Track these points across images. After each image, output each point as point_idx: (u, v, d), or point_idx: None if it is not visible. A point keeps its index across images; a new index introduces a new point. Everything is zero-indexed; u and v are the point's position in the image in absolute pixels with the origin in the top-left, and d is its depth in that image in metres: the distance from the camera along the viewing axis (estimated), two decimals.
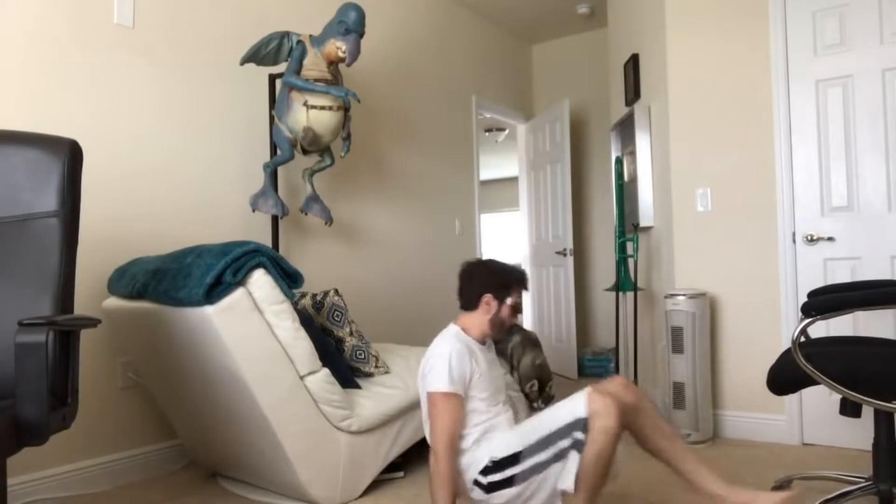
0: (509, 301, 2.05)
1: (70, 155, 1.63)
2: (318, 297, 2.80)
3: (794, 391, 2.32)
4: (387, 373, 2.76)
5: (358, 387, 2.58)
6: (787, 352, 2.15)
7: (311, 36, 3.04)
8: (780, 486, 2.32)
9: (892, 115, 2.87)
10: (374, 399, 2.50)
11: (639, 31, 3.98)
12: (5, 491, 1.42)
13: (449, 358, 1.91)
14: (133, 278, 2.35)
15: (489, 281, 2.05)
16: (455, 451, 1.91)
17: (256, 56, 3.04)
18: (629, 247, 3.99)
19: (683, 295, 3.08)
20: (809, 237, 3.02)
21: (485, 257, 2.27)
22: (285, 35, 3.06)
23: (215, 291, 2.05)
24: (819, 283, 2.94)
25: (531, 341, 3.46)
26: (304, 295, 2.87)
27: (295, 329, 2.22)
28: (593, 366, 5.15)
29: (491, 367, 2.06)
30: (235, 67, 3.16)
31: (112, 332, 2.62)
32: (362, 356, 2.73)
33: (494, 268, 2.09)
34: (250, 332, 2.12)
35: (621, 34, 4.45)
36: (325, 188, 3.61)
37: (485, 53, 5.33)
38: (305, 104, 2.96)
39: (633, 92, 3.99)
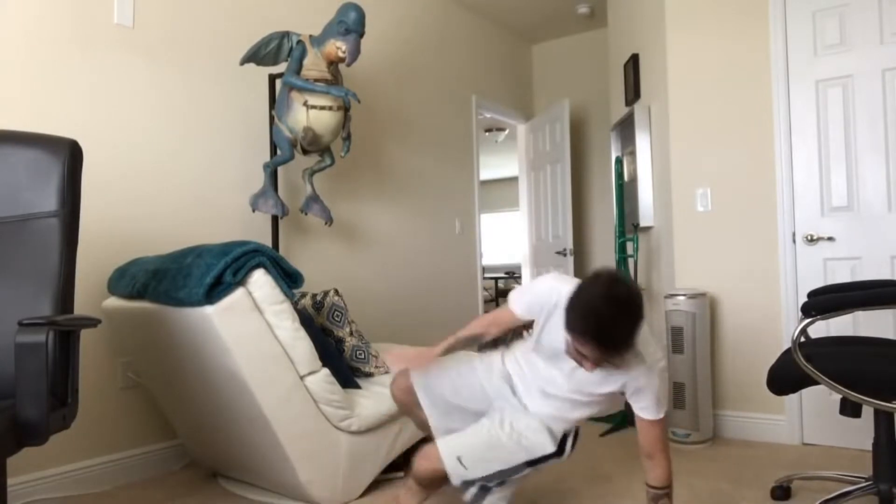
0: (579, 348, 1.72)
1: (70, 155, 1.63)
2: (318, 297, 2.81)
3: (794, 391, 2.32)
4: (387, 373, 2.76)
5: (358, 387, 2.58)
6: (787, 352, 2.15)
7: (311, 36, 3.04)
8: (780, 487, 2.32)
9: (892, 115, 2.87)
10: (374, 399, 2.50)
11: (639, 31, 3.98)
12: (5, 491, 1.42)
13: (548, 291, 1.81)
14: (133, 278, 2.36)
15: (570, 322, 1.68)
16: (486, 327, 1.93)
17: (256, 56, 3.04)
18: (629, 247, 3.98)
19: (683, 295, 3.08)
20: (809, 237, 3.02)
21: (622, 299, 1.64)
22: (285, 35, 3.06)
23: (215, 291, 2.05)
24: (819, 283, 2.94)
25: None
26: (304, 295, 2.87)
27: (295, 329, 2.22)
28: None
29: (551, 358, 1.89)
30: (235, 67, 3.16)
31: (112, 332, 2.63)
32: (362, 356, 2.73)
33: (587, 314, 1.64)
34: (250, 332, 2.12)
35: (621, 34, 4.45)
36: (325, 188, 3.62)
37: (485, 53, 5.33)
38: (305, 104, 2.96)
39: (633, 92, 3.99)
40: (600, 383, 1.86)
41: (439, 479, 1.90)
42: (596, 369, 1.74)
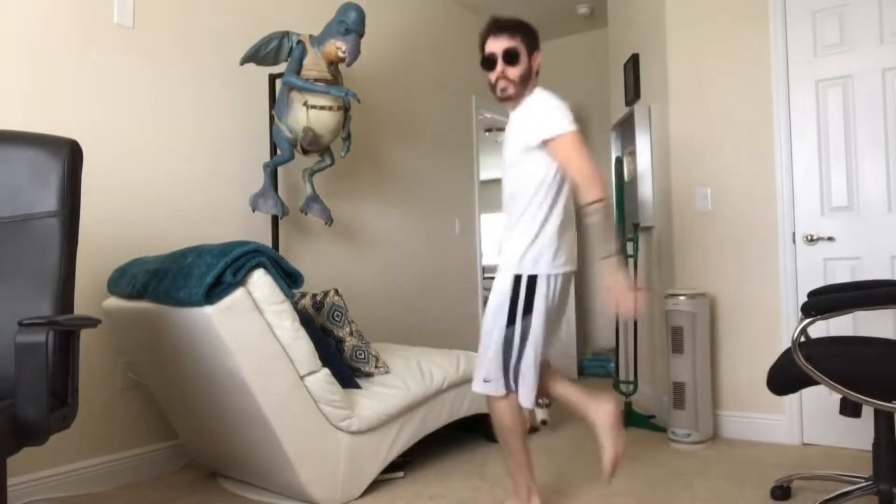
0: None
1: (70, 155, 1.63)
2: (318, 297, 2.81)
3: (794, 391, 2.32)
4: (387, 373, 2.76)
5: (358, 387, 2.58)
6: (787, 352, 2.15)
7: (311, 36, 3.04)
8: (780, 487, 2.32)
9: (892, 115, 2.87)
10: (374, 399, 2.50)
11: (639, 31, 3.98)
12: (5, 491, 1.42)
13: (564, 105, 2.01)
14: (133, 278, 2.36)
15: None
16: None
17: (256, 56, 3.04)
18: (629, 247, 3.98)
19: (683, 295, 3.08)
20: (809, 237, 3.02)
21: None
22: (285, 35, 3.06)
23: (215, 291, 2.05)
24: (819, 283, 2.94)
25: None
26: (304, 295, 2.87)
27: (295, 329, 2.22)
28: (594, 366, 5.15)
29: None
30: (235, 67, 3.16)
31: (112, 332, 2.62)
32: (362, 356, 2.73)
33: None
34: (250, 332, 2.12)
35: (621, 34, 4.45)
36: (325, 188, 3.61)
37: None
38: (305, 104, 2.96)
39: (633, 92, 3.99)
40: (513, 140, 2.08)
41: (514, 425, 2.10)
42: (509, 85, 2.04)
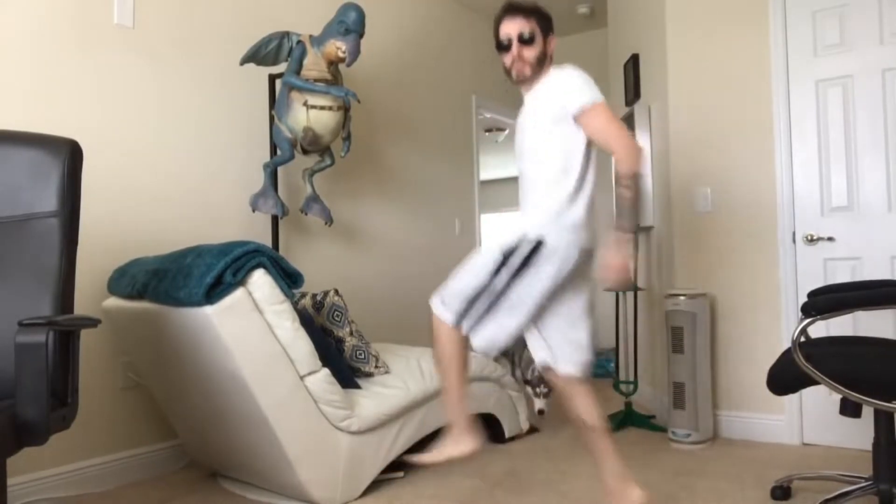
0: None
1: (70, 155, 1.63)
2: (318, 297, 2.81)
3: (794, 391, 2.32)
4: (387, 373, 2.76)
5: (358, 387, 2.58)
6: (787, 352, 2.15)
7: (311, 36, 3.04)
8: (780, 487, 2.32)
9: (892, 115, 2.87)
10: (374, 399, 2.51)
11: (639, 31, 3.98)
12: (5, 491, 1.42)
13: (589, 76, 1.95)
14: (133, 278, 2.36)
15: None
16: None
17: (256, 56, 3.04)
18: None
19: (683, 295, 3.08)
20: (809, 237, 3.02)
21: None
22: (285, 35, 3.06)
23: (215, 291, 2.05)
24: (819, 283, 2.93)
25: None
26: (304, 295, 2.87)
27: (295, 329, 2.22)
28: (593, 366, 5.14)
29: None
30: (235, 67, 3.16)
31: (112, 332, 2.62)
32: (362, 356, 2.73)
33: None
34: (250, 332, 2.12)
35: (621, 34, 4.45)
36: (325, 188, 3.61)
37: (485, 53, 5.31)
38: (305, 104, 2.96)
39: (633, 92, 3.99)
40: (538, 118, 2.03)
41: (455, 354, 2.03)
42: (525, 66, 2.02)
